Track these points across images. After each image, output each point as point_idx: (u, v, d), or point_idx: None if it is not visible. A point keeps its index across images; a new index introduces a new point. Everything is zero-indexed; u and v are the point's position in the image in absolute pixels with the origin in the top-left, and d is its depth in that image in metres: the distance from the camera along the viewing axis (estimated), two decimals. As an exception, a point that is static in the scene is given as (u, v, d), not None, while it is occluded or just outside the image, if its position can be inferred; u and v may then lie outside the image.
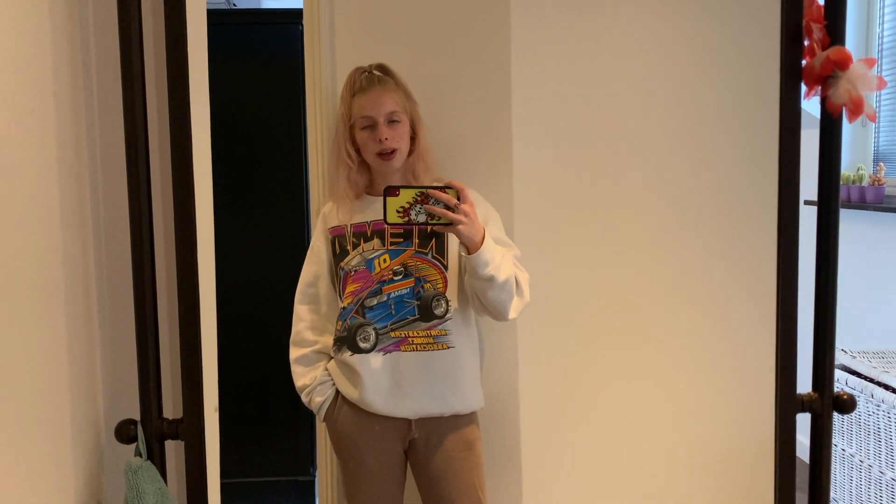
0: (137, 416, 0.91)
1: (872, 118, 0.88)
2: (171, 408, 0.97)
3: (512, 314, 1.48)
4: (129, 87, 0.92)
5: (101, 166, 0.98)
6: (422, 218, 1.35)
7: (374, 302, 1.49)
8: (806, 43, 0.89)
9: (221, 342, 1.26)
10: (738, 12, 1.74)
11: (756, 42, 1.70)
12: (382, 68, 1.55)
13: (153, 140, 0.99)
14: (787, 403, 0.87)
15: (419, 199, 1.35)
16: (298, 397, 2.31)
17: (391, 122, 1.48)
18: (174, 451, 0.98)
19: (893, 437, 2.26)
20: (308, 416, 2.36)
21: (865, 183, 2.79)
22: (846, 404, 0.91)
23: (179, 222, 0.93)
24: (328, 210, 1.57)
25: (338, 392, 1.56)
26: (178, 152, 0.94)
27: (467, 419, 1.57)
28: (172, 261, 0.98)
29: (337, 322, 1.52)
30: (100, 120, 1.00)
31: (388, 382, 1.50)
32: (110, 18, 0.95)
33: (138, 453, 0.90)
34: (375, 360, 1.49)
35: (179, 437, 0.90)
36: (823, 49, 0.88)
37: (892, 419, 2.26)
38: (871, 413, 2.36)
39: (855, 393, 2.43)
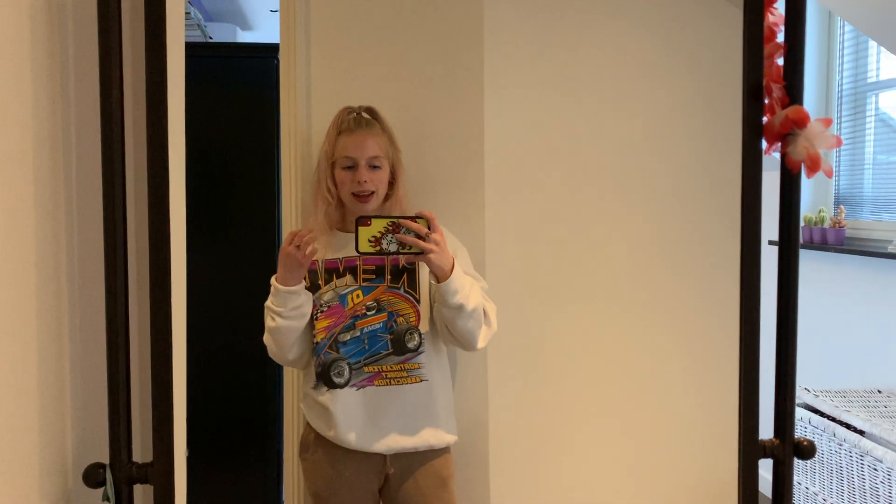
0: (106, 460, 0.90)
1: (829, 174, 0.92)
2: (140, 450, 0.97)
3: (480, 343, 1.50)
4: (107, 120, 0.93)
5: (77, 209, 0.98)
6: (393, 247, 1.38)
7: (348, 337, 1.50)
8: (766, 101, 0.93)
9: (187, 377, 1.25)
10: (709, 62, 1.80)
11: (724, 90, 1.75)
12: (371, 111, 1.58)
13: (128, 176, 0.99)
14: (749, 450, 0.89)
15: (390, 228, 1.37)
16: (266, 434, 2.29)
17: (372, 166, 1.51)
18: (142, 494, 0.97)
19: (855, 476, 2.31)
20: (275, 453, 2.34)
21: (827, 225, 2.87)
22: (806, 450, 0.93)
23: (154, 262, 0.93)
24: None
25: (312, 429, 1.56)
26: (155, 194, 0.94)
27: (441, 453, 1.58)
28: (143, 299, 0.98)
29: (312, 357, 1.52)
30: (77, 156, 1.00)
31: (362, 418, 1.50)
32: (90, 53, 0.96)
33: (106, 498, 0.89)
34: (349, 396, 1.49)
35: (149, 482, 0.90)
36: (783, 108, 0.92)
37: (854, 458, 2.30)
38: (833, 452, 2.40)
39: (817, 432, 2.47)
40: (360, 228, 1.37)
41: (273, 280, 1.47)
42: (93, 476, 0.89)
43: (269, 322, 1.48)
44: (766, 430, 1.02)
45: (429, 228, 1.39)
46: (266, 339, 1.52)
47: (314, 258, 1.53)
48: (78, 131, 0.99)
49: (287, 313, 1.45)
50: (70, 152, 0.98)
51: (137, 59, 1.01)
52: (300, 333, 1.49)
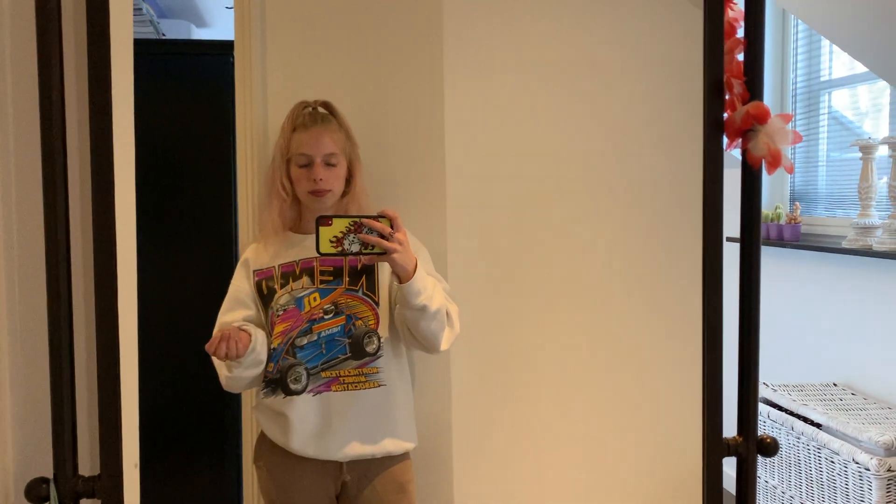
0: (50, 474, 0.86)
1: (790, 170, 0.92)
2: (89, 463, 0.92)
3: (443, 346, 1.47)
4: (47, 124, 0.88)
5: (16, 212, 0.94)
6: (355, 247, 1.34)
7: (305, 341, 1.46)
8: (727, 97, 0.93)
9: (140, 383, 1.20)
10: (675, 57, 1.80)
11: (689, 85, 1.75)
12: (327, 106, 1.54)
13: (73, 178, 0.95)
14: (714, 449, 0.89)
15: (353, 228, 1.33)
16: (224, 440, 2.24)
17: (328, 164, 1.47)
18: (90, 509, 0.93)
19: (813, 469, 2.34)
20: (234, 460, 2.28)
21: (783, 221, 2.91)
22: (769, 448, 0.93)
23: (99, 265, 0.89)
24: (251, 253, 1.54)
25: (266, 437, 1.52)
26: (100, 193, 0.90)
27: (400, 459, 1.55)
28: (91, 305, 0.94)
29: (268, 364, 1.48)
30: (15, 159, 0.95)
31: (317, 425, 1.46)
32: (28, 54, 0.91)
33: (50, 514, 0.85)
34: (304, 402, 1.46)
35: (96, 496, 0.86)
36: (743, 103, 0.92)
37: (812, 451, 2.34)
38: (791, 445, 2.43)
39: (776, 426, 2.50)
40: (320, 228, 1.32)
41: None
42: (35, 491, 0.85)
43: (225, 371, 1.43)
44: (729, 425, 1.02)
45: (392, 228, 1.36)
46: (218, 370, 1.49)
47: (268, 266, 1.49)
48: (16, 132, 0.94)
49: (245, 367, 1.42)
50: (8, 157, 0.93)
51: (81, 57, 0.97)
52: (256, 377, 1.47)
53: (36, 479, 0.85)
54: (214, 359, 1.46)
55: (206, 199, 2.29)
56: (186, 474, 2.30)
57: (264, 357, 1.45)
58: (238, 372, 1.41)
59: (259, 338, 1.44)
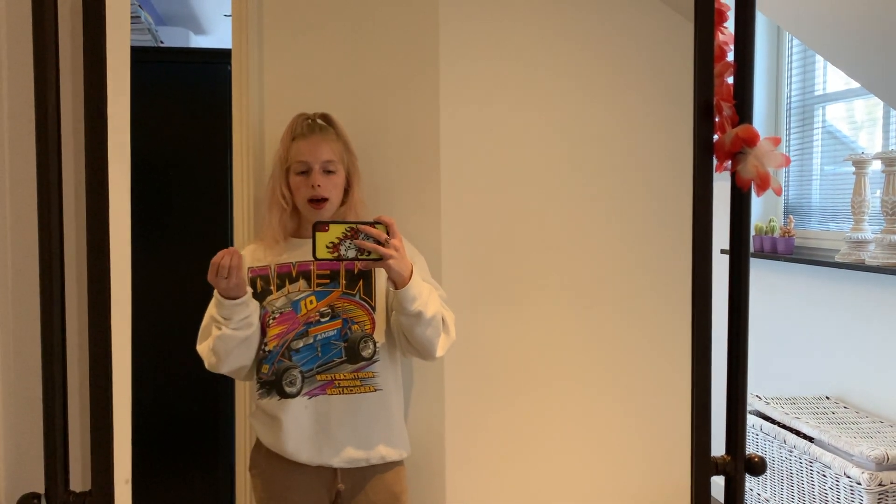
0: (42, 489, 0.86)
1: (778, 192, 0.93)
2: (80, 478, 0.93)
3: (439, 352, 1.48)
4: (42, 130, 0.89)
5: (10, 219, 0.94)
6: (351, 253, 1.35)
7: (301, 344, 1.46)
8: (717, 120, 0.94)
9: (133, 392, 1.21)
10: (671, 68, 1.81)
11: (682, 96, 1.77)
12: (326, 118, 1.56)
13: (68, 185, 0.95)
14: (701, 467, 0.89)
15: (349, 234, 1.35)
16: (217, 451, 2.24)
17: (326, 171, 1.49)
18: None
19: (805, 482, 2.35)
20: (227, 470, 2.28)
21: (777, 234, 2.93)
22: (757, 467, 0.94)
23: (93, 276, 0.90)
24: (248, 252, 1.54)
25: (262, 444, 1.52)
26: (94, 200, 0.90)
27: (393, 466, 1.55)
28: (84, 316, 0.94)
29: (262, 366, 1.48)
30: (10, 167, 0.96)
31: (312, 428, 1.47)
32: (24, 59, 0.92)
33: (41, 529, 0.85)
34: (299, 406, 1.46)
35: (86, 511, 0.86)
36: (733, 126, 0.93)
37: (804, 464, 2.34)
38: (784, 458, 2.44)
39: (768, 439, 2.51)
40: (317, 234, 1.33)
41: (216, 292, 1.43)
42: (26, 506, 0.85)
43: (213, 331, 1.43)
44: (719, 440, 1.02)
45: (388, 234, 1.37)
46: (202, 347, 1.48)
47: (265, 264, 1.50)
48: (11, 138, 0.95)
49: (234, 325, 1.42)
50: (3, 163, 0.93)
51: (77, 64, 0.97)
52: (244, 343, 1.46)
53: (27, 495, 0.86)
54: (201, 341, 1.47)
55: (202, 206, 2.29)
56: (179, 484, 2.30)
57: (255, 322, 1.45)
58: (228, 330, 1.41)
59: (253, 301, 1.45)
